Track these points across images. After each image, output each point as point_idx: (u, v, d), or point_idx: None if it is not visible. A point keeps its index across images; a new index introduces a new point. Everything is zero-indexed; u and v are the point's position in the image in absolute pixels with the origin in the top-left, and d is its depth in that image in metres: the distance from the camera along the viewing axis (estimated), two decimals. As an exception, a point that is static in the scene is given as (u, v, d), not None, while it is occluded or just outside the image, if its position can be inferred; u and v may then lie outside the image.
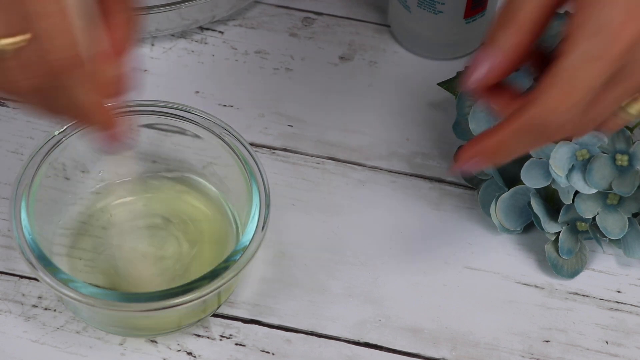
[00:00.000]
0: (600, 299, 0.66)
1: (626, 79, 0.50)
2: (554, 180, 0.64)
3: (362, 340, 0.64)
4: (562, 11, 0.68)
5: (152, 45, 0.77)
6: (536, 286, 0.67)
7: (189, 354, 0.63)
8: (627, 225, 0.64)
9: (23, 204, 0.61)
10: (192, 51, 0.77)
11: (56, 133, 0.63)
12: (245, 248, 0.60)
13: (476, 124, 0.66)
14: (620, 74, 0.50)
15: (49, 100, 0.51)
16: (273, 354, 0.63)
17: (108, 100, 0.53)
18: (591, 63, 0.49)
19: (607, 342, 0.65)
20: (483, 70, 0.52)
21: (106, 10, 0.52)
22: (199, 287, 0.58)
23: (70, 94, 0.51)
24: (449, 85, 0.71)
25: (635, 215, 0.66)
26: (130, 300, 0.58)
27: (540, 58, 0.54)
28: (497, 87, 0.53)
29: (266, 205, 0.61)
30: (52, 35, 0.48)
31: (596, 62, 0.49)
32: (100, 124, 0.53)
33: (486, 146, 0.53)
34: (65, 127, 0.63)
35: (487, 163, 0.54)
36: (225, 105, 0.74)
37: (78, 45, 0.49)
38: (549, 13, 0.51)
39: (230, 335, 0.64)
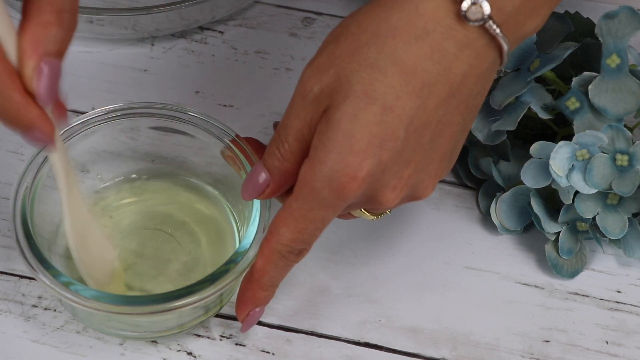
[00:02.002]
0: (600, 299, 0.66)
1: (357, 207, 0.57)
2: (554, 180, 0.64)
3: (362, 340, 0.64)
4: (561, 12, 0.68)
5: (152, 45, 0.77)
6: (536, 286, 0.67)
7: (189, 354, 0.63)
8: (627, 225, 0.64)
9: (24, 205, 0.61)
10: (192, 51, 0.77)
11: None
12: (246, 251, 0.60)
13: (475, 123, 0.66)
14: (351, 206, 0.56)
15: None
16: (273, 354, 0.63)
17: (33, 99, 0.52)
18: (319, 209, 0.55)
19: (607, 342, 0.65)
20: (257, 190, 0.57)
21: (29, 9, 0.51)
22: (200, 289, 0.58)
23: None
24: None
25: (635, 215, 0.66)
26: (132, 303, 0.58)
27: None
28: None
29: (267, 207, 0.61)
30: None
31: (324, 209, 0.55)
32: (20, 125, 0.52)
33: (252, 291, 0.59)
34: (65, 129, 0.63)
35: (263, 304, 0.60)
36: (225, 105, 0.74)
37: None
38: (308, 147, 0.55)
39: (230, 335, 0.64)
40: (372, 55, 0.53)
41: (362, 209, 0.58)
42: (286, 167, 0.56)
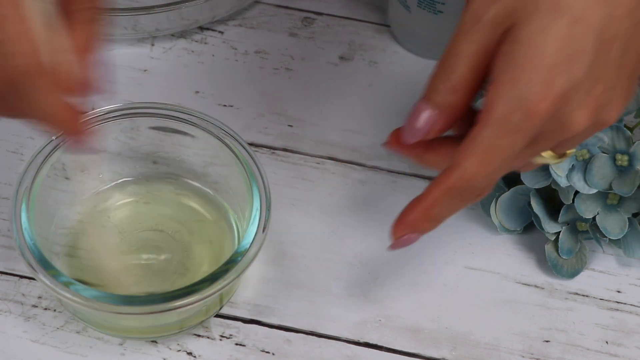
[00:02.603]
0: (600, 299, 0.66)
1: (544, 141, 0.52)
2: (554, 180, 0.64)
3: (362, 340, 0.64)
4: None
5: (152, 45, 0.77)
6: (536, 286, 0.67)
7: (189, 354, 0.63)
8: (627, 225, 0.64)
9: (23, 206, 0.61)
10: (192, 51, 0.77)
11: (54, 138, 0.63)
12: (246, 251, 0.60)
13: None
14: (538, 139, 0.52)
15: (10, 104, 0.51)
16: (273, 354, 0.63)
17: (75, 100, 0.53)
18: (509, 136, 0.50)
19: (607, 342, 0.65)
20: (423, 129, 0.53)
21: (67, 9, 0.52)
22: (199, 289, 0.58)
23: (31, 100, 0.50)
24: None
25: (635, 215, 0.66)
26: (132, 303, 0.58)
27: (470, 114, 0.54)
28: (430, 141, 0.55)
29: (267, 207, 0.61)
30: (10, 41, 0.48)
31: (514, 135, 0.51)
32: (64, 129, 0.53)
33: (417, 217, 0.54)
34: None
35: (421, 233, 0.55)
36: (225, 105, 0.74)
37: (38, 51, 0.49)
38: (480, 76, 0.52)
39: (230, 335, 0.64)
40: None
41: (545, 152, 0.55)
42: (456, 100, 0.52)
